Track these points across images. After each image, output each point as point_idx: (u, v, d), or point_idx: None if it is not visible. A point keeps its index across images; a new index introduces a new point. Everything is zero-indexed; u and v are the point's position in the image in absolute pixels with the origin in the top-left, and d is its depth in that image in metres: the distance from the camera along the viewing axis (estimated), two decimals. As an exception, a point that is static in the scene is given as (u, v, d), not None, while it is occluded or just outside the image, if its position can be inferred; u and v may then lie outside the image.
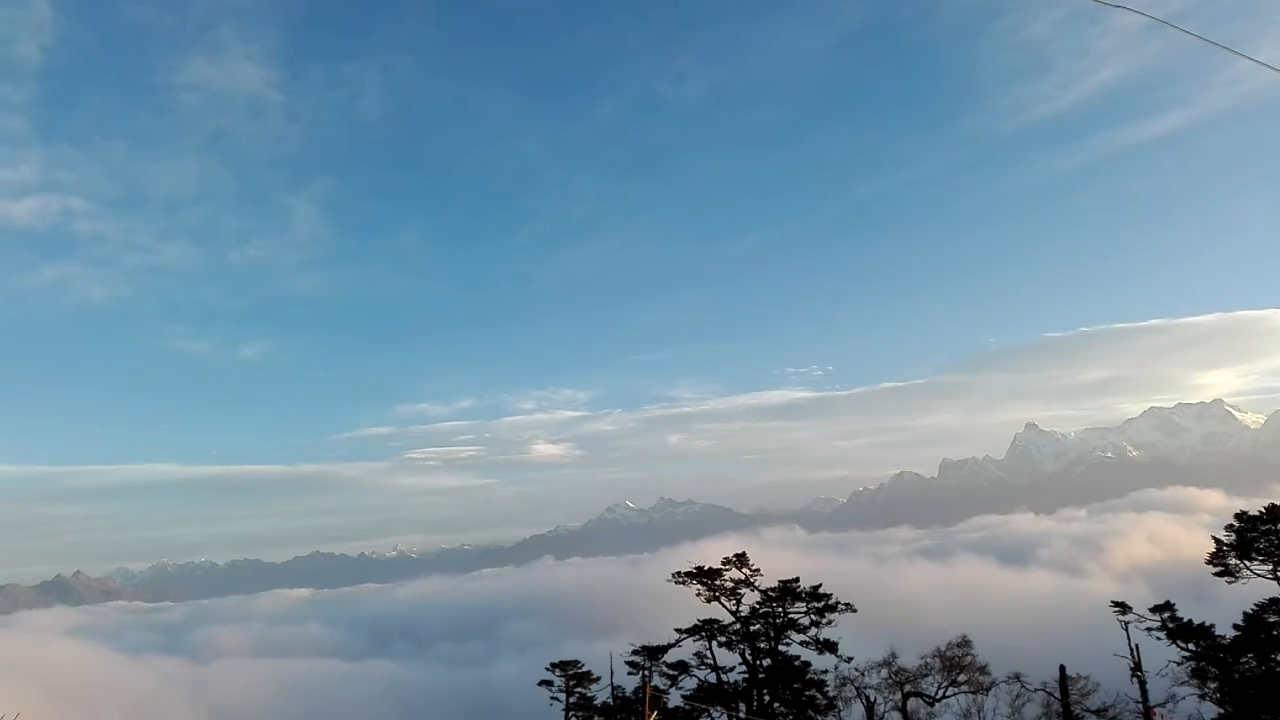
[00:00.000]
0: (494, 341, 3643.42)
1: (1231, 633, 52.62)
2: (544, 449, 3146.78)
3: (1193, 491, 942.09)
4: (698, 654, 64.13)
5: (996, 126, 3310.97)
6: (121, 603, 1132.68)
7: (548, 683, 66.38)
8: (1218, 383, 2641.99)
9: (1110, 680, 53.27)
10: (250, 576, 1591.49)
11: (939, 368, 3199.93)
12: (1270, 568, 52.68)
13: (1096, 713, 54.30)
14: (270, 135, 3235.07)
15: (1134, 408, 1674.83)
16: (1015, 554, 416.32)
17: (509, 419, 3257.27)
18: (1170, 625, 53.70)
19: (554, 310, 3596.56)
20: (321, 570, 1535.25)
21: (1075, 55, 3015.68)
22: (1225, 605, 53.98)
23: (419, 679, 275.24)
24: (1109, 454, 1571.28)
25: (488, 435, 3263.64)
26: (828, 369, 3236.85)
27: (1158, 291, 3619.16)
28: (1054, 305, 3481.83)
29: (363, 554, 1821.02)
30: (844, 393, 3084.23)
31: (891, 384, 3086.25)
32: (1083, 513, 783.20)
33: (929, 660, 60.06)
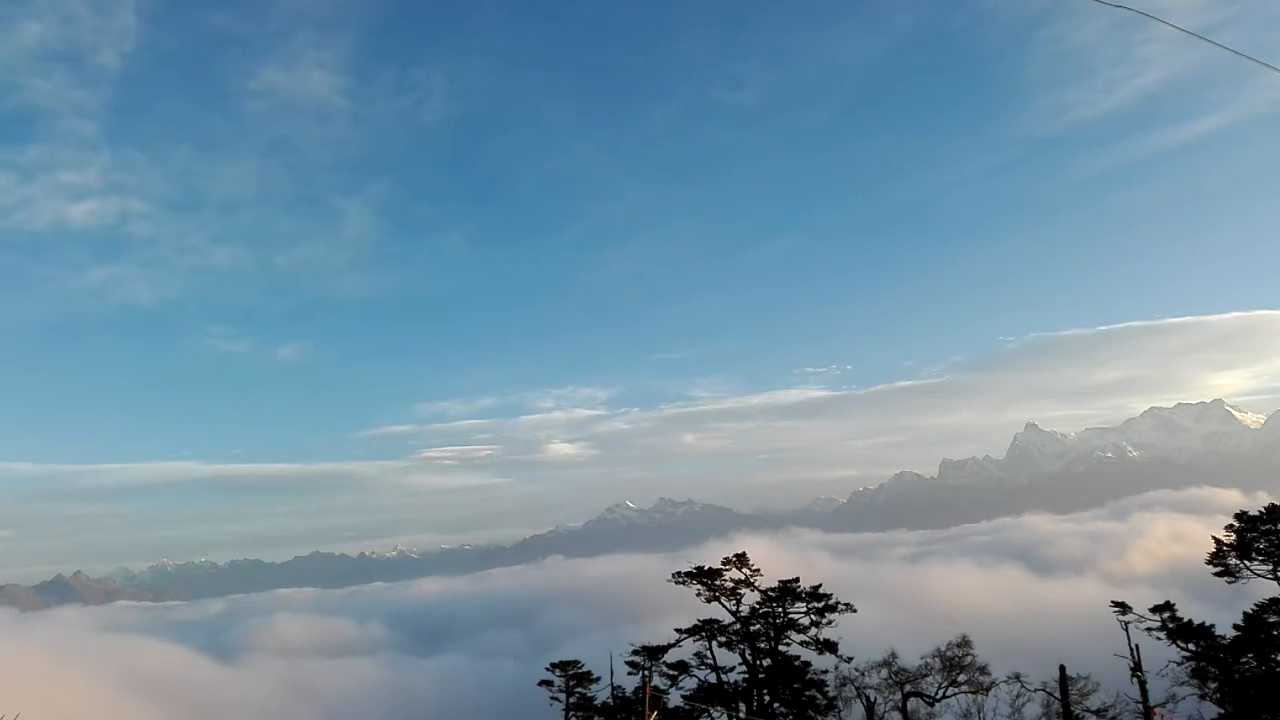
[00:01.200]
0: (521, 341, 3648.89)
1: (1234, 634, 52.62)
2: (559, 448, 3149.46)
3: (1205, 490, 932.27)
4: (698, 654, 64.02)
5: (1036, 129, 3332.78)
6: (130, 602, 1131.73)
7: (548, 683, 66.01)
8: (1230, 383, 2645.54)
9: (1110, 680, 53.23)
10: (251, 577, 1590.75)
11: (955, 367, 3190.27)
12: (1270, 568, 52.69)
13: (1096, 713, 54.24)
14: (333, 140, 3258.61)
15: (1146, 408, 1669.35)
16: (1036, 556, 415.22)
17: (527, 418, 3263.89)
18: (1170, 625, 53.67)
19: (584, 311, 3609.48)
20: (322, 571, 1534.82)
21: (1118, 61, 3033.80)
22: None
23: (499, 671, 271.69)
24: (1109, 454, 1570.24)
25: (505, 434, 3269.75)
26: (846, 368, 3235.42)
27: (1180, 290, 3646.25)
28: (1076, 303, 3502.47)
29: (363, 554, 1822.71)
30: (860, 392, 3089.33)
31: (907, 383, 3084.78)
32: (1091, 513, 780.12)
33: (929, 660, 60.02)
